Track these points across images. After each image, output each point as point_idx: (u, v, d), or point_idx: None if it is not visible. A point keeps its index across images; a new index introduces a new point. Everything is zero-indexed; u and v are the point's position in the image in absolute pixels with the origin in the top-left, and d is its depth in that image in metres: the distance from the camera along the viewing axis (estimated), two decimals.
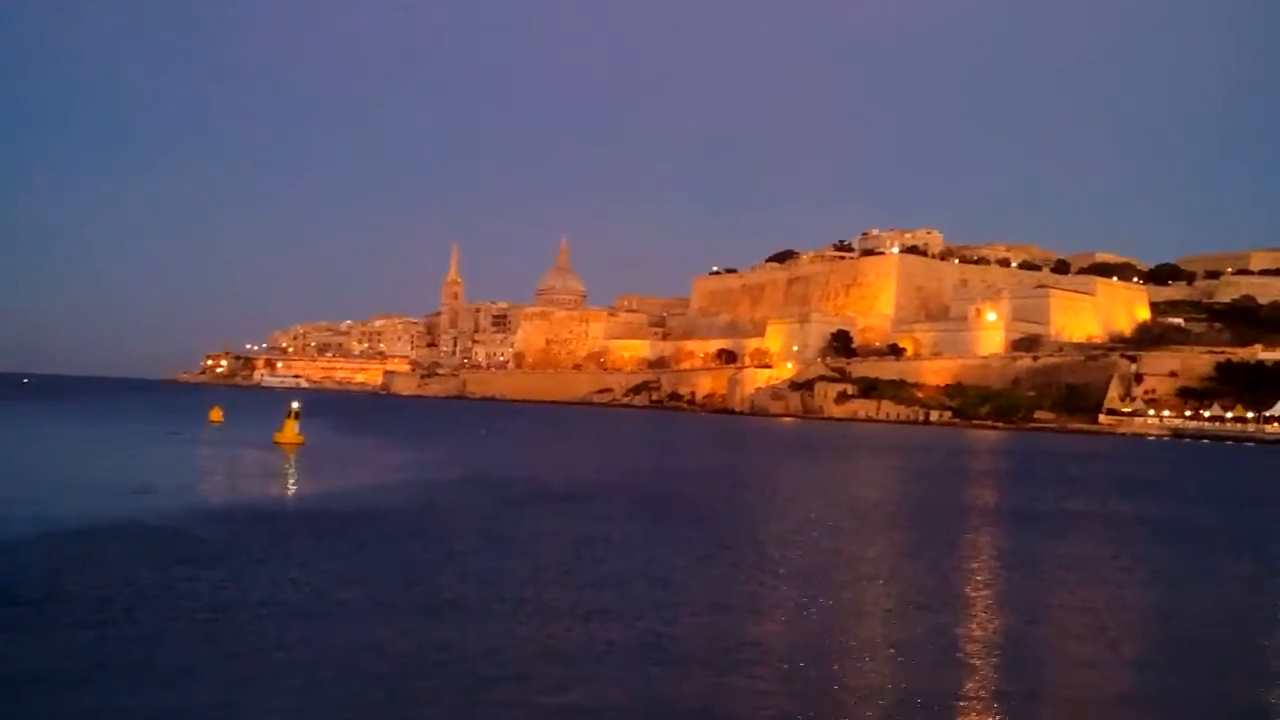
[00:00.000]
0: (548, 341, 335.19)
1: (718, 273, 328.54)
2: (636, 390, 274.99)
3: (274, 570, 26.02)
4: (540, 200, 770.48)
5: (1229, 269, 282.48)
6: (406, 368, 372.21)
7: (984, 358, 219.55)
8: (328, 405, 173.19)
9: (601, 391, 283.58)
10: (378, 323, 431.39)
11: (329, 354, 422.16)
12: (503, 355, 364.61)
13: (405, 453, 73.16)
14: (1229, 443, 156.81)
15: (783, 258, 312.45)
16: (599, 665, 18.95)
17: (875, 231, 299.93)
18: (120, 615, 20.63)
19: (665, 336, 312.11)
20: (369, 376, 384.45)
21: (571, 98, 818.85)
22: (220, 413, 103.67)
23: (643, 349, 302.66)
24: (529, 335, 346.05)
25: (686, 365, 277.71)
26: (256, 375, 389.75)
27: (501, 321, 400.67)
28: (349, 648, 19.12)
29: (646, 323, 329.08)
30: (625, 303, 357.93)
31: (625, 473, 63.48)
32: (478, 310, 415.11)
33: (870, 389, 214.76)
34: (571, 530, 35.90)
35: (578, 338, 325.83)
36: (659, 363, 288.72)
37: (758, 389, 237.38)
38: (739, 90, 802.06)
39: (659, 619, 22.64)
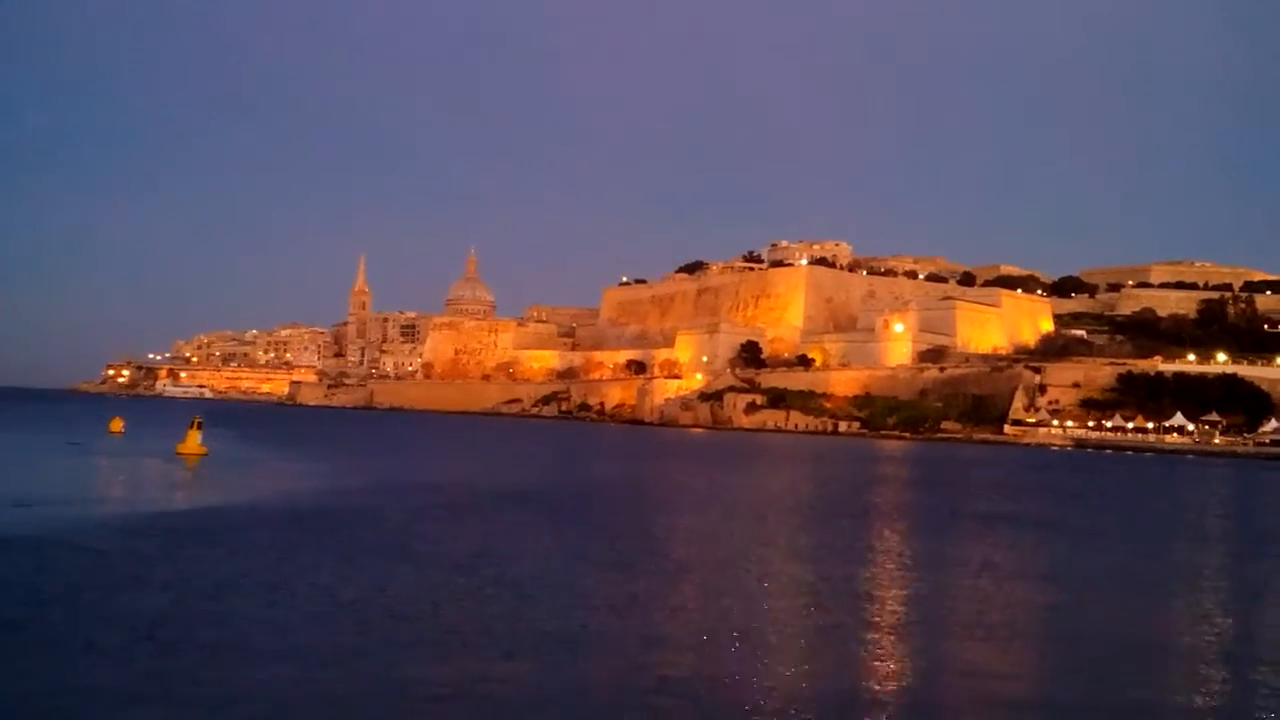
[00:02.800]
0: (456, 352, 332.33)
1: (627, 283, 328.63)
2: (546, 401, 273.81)
3: (169, 579, 25.53)
4: (449, 210, 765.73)
5: (1130, 282, 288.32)
6: (313, 378, 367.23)
7: (892, 369, 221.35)
8: (232, 415, 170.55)
9: (510, 402, 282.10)
10: (284, 332, 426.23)
11: (234, 364, 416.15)
12: (411, 365, 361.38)
13: (310, 463, 72.18)
14: (1130, 453, 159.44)
15: (692, 269, 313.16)
16: (499, 669, 18.91)
17: (784, 243, 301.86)
18: None
19: (575, 347, 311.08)
20: (275, 386, 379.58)
21: (479, 108, 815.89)
22: (121, 423, 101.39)
23: (552, 359, 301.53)
24: (437, 345, 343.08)
25: (596, 376, 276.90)
26: (159, 385, 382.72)
27: (410, 331, 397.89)
28: (239, 656, 18.82)
29: (556, 333, 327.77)
30: (535, 313, 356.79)
31: (532, 482, 63.08)
32: (385, 320, 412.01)
33: (779, 400, 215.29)
34: (475, 539, 35.63)
35: (487, 348, 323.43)
36: (568, 373, 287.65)
37: (667, 399, 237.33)
38: (647, 101, 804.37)
39: (559, 623, 22.63)
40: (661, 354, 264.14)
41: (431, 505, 45.81)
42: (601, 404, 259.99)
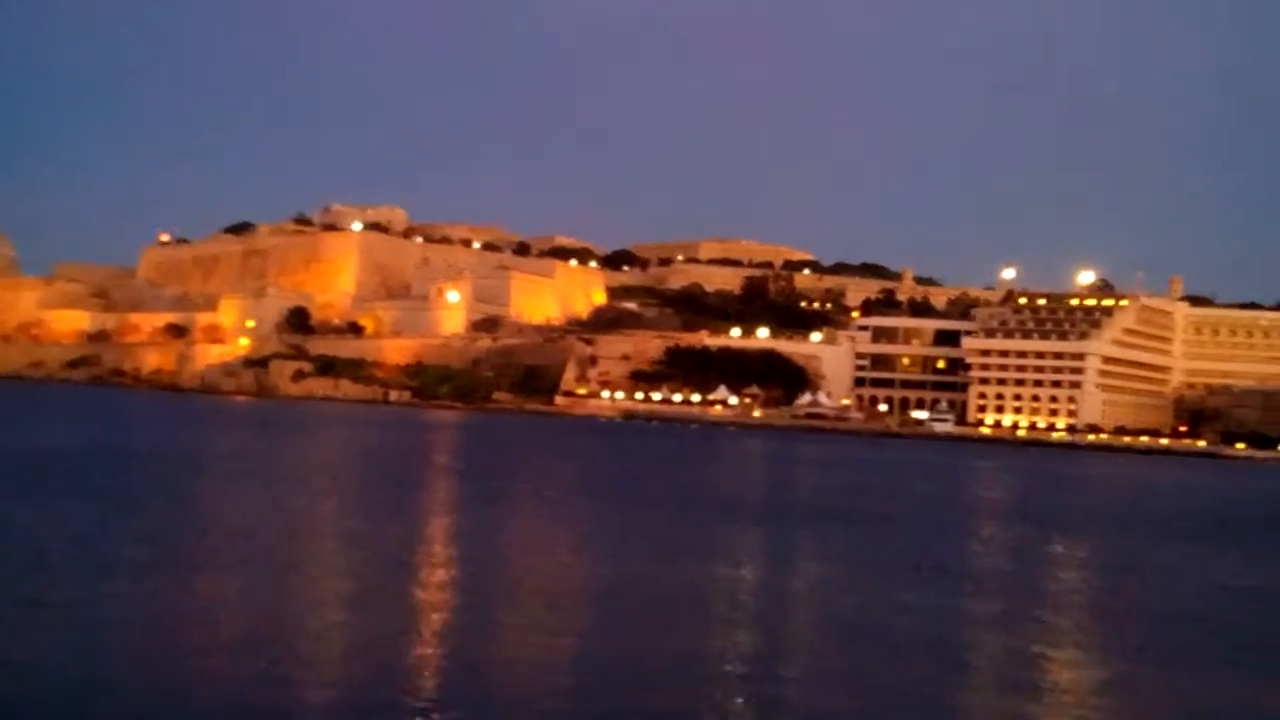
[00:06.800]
0: None
1: (168, 243, 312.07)
2: (75, 364, 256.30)
3: None
4: None
5: (680, 257, 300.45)
6: None
7: (445, 338, 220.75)
8: None
9: (34, 365, 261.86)
10: None
11: None
12: None
13: None
14: (676, 424, 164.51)
15: (239, 229, 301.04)
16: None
17: (337, 207, 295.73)
18: None
19: (109, 308, 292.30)
20: None
21: (10, 45, 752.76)
22: None
23: (83, 321, 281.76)
24: None
25: (132, 339, 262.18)
26: None
27: None
28: None
29: (88, 293, 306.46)
30: (64, 270, 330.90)
31: (56, 450, 57.65)
32: None
33: (329, 367, 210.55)
34: None
35: (6, 307, 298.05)
36: (101, 336, 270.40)
37: (209, 365, 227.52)
38: (191, 48, 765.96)
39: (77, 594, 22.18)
40: (204, 318, 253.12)
41: None
42: (138, 369, 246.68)
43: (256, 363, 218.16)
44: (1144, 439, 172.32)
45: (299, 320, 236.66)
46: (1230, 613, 29.02)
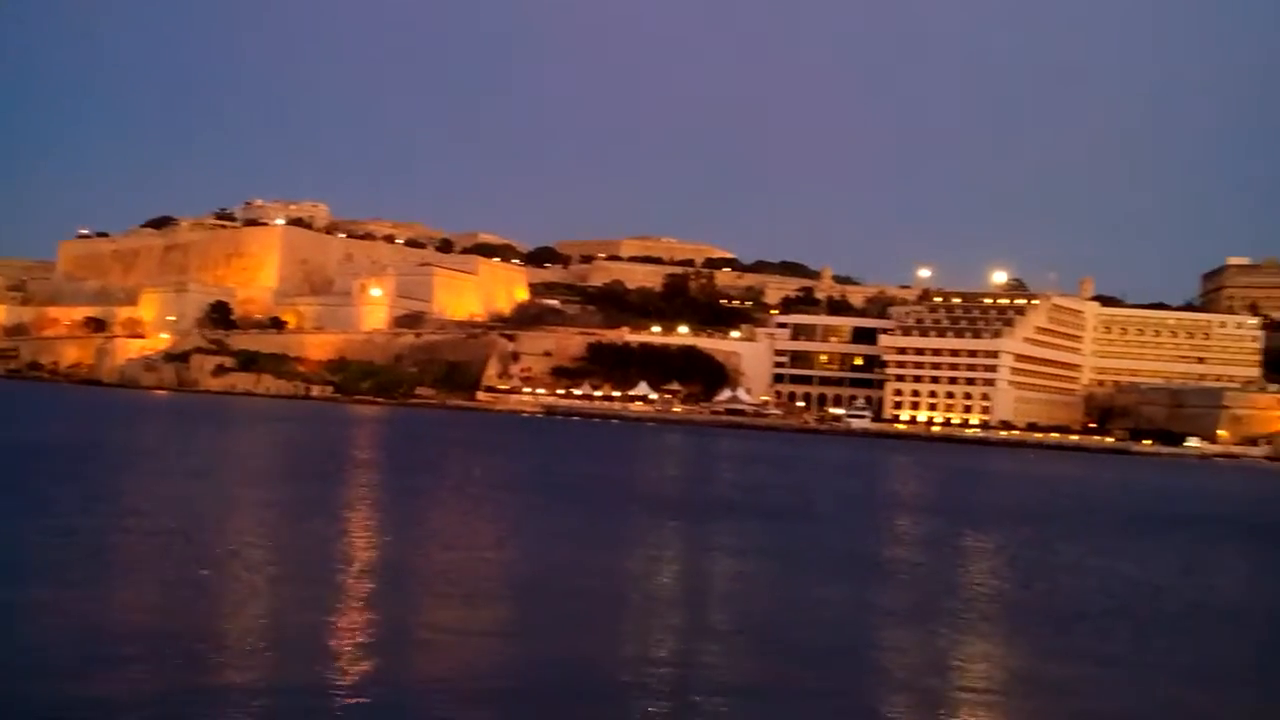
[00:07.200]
0: None
1: (87, 236, 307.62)
2: None
3: None
4: None
5: (602, 255, 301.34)
6: None
7: (368, 333, 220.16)
8: None
9: None
10: None
11: None
12: None
13: None
14: (597, 419, 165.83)
15: (160, 224, 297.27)
16: None
17: (259, 202, 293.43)
18: None
19: (26, 302, 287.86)
20: None
21: None
22: None
23: None
24: None
25: (50, 333, 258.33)
26: None
27: None
28: None
29: (4, 286, 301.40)
30: None
31: None
32: None
33: (250, 362, 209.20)
34: None
35: None
36: (18, 330, 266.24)
37: (129, 360, 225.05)
38: (113, 37, 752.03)
39: None
40: (124, 312, 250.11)
41: None
42: (55, 363, 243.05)
43: (177, 357, 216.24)
44: (1055, 435, 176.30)
45: (220, 315, 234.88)
46: (1135, 606, 29.78)
